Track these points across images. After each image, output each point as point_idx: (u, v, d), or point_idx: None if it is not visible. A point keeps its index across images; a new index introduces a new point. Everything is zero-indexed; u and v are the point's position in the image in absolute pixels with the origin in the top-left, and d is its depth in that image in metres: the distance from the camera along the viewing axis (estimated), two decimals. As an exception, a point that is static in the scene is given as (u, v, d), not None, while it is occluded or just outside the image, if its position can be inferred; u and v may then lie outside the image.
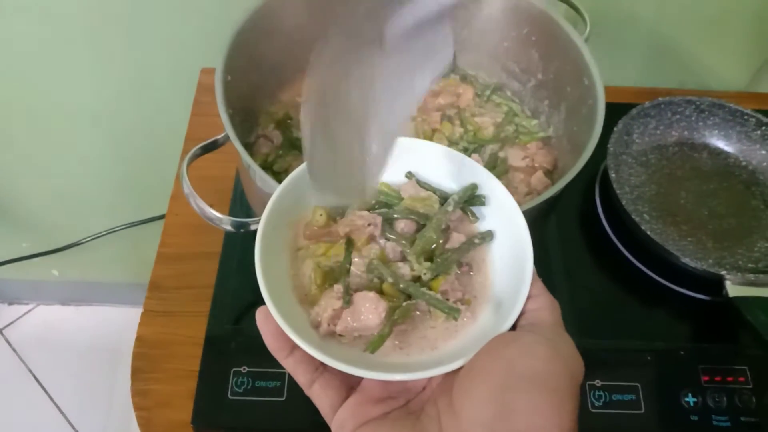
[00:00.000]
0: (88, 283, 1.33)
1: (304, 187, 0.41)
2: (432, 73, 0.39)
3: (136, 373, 0.62)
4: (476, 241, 0.40)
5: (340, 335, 0.37)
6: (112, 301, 1.36)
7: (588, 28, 0.63)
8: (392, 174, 0.43)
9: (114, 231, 1.10)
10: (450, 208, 0.40)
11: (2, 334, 1.38)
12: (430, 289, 0.38)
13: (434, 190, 0.42)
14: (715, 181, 0.72)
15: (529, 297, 0.36)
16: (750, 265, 0.66)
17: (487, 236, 0.41)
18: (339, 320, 0.37)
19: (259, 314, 0.36)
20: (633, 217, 0.63)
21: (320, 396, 0.36)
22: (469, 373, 0.33)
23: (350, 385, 0.37)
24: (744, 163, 0.74)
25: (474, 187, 0.41)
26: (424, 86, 0.39)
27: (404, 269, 0.39)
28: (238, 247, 0.68)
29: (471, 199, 0.41)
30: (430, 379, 0.36)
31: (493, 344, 0.33)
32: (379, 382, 0.36)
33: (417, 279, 0.39)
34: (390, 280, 0.38)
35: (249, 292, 0.65)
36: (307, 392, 0.37)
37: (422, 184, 0.43)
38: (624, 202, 0.64)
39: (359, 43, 0.36)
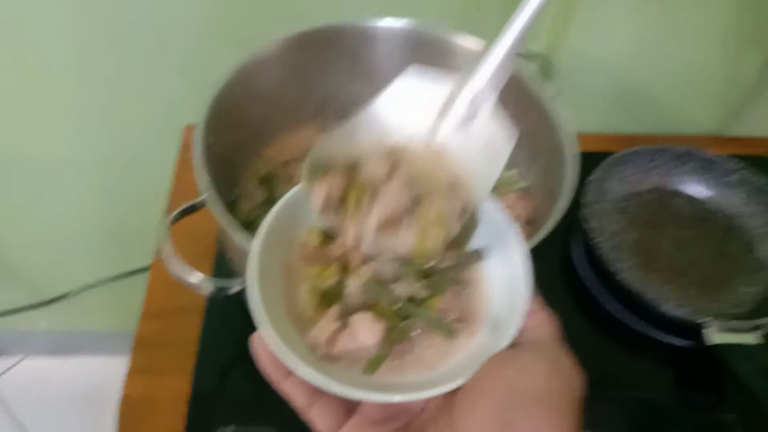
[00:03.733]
0: (75, 333, 1.32)
1: (298, 208, 0.40)
2: (500, 162, 0.40)
3: (122, 432, 0.62)
4: (467, 258, 0.40)
5: (337, 358, 0.37)
6: (100, 351, 1.35)
7: (558, 83, 0.64)
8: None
9: (101, 282, 1.10)
10: None
11: (-10, 387, 1.37)
12: (426, 308, 0.39)
13: None
14: (694, 226, 0.74)
15: (528, 313, 0.36)
16: (732, 311, 0.66)
17: (476, 255, 0.40)
18: (336, 342, 0.37)
19: (255, 339, 0.36)
20: (611, 266, 0.64)
21: (318, 420, 0.36)
22: (469, 393, 0.33)
23: (349, 407, 0.37)
24: (720, 209, 0.75)
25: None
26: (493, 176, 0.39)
27: (400, 289, 0.39)
28: (222, 301, 0.68)
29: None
30: (429, 399, 0.36)
31: (492, 363, 0.34)
32: (377, 404, 0.36)
33: (413, 299, 0.39)
34: (386, 300, 0.38)
35: (234, 347, 0.65)
36: (305, 416, 0.36)
37: None
38: (602, 251, 0.65)
39: None
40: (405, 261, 0.38)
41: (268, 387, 0.37)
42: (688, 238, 0.72)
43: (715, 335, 0.61)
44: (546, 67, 0.67)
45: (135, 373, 0.66)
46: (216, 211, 0.53)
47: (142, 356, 0.67)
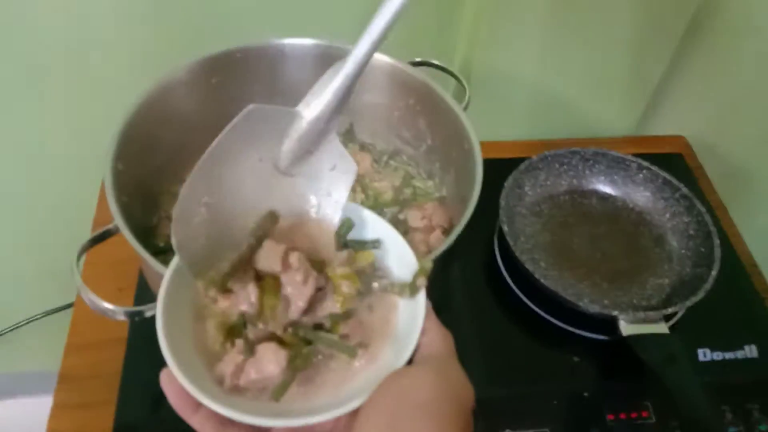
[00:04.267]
0: (11, 374, 1.27)
1: None
2: (344, 186, 0.44)
3: (47, 473, 0.61)
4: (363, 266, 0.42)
5: (245, 389, 0.38)
6: (39, 391, 1.30)
7: (468, 95, 0.67)
8: None
9: (35, 319, 1.07)
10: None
11: None
12: (329, 333, 0.40)
13: None
14: (606, 224, 0.77)
15: (423, 332, 0.39)
16: (643, 303, 0.70)
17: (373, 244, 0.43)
18: (242, 374, 0.38)
19: (163, 375, 0.37)
20: (527, 266, 0.66)
21: None
22: (366, 408, 0.35)
23: None
24: (631, 206, 0.79)
25: (348, 222, 0.44)
26: (340, 199, 0.44)
27: (305, 318, 0.40)
28: (145, 330, 0.67)
29: (365, 243, 0.44)
30: (337, 421, 0.37)
31: (388, 379, 0.36)
32: (286, 430, 0.38)
33: (320, 326, 0.41)
34: (290, 329, 0.39)
35: (158, 376, 0.65)
36: None
37: None
38: (518, 253, 0.67)
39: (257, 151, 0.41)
40: (334, 315, 0.40)
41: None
42: (601, 235, 0.76)
43: (628, 327, 0.64)
44: (458, 82, 0.70)
45: (60, 408, 0.65)
46: (127, 237, 0.52)
47: (67, 391, 0.66)
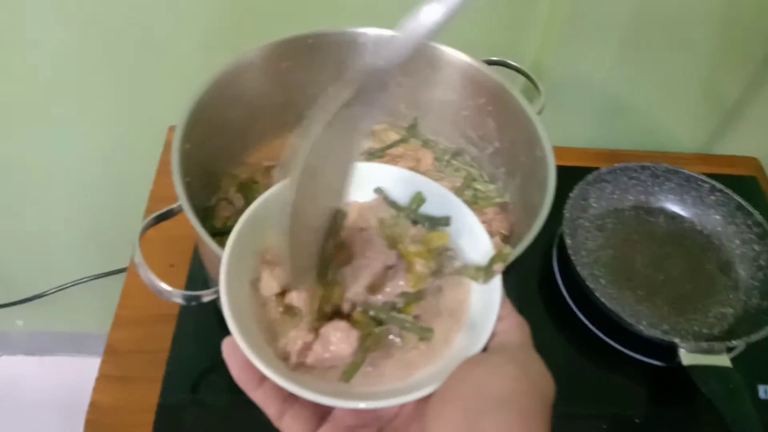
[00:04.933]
0: (53, 333, 1.31)
1: (268, 214, 0.40)
2: (370, 123, 0.39)
3: (88, 442, 0.61)
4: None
5: (311, 367, 0.37)
6: (78, 352, 1.34)
7: (543, 100, 0.64)
8: (361, 194, 0.43)
9: (80, 282, 1.09)
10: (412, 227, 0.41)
11: (-36, 386, 1.35)
12: (402, 313, 0.38)
13: (401, 209, 0.42)
14: (671, 245, 0.74)
15: (498, 318, 0.36)
16: (705, 331, 0.67)
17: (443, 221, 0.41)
18: (309, 352, 0.37)
19: (226, 346, 0.35)
20: (587, 283, 0.64)
21: (291, 428, 0.36)
22: (439, 398, 0.33)
23: (321, 415, 0.36)
24: (699, 228, 0.75)
25: (419, 196, 0.42)
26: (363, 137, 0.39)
27: (375, 297, 0.39)
28: (196, 310, 0.67)
29: (435, 220, 0.42)
30: (403, 405, 0.36)
31: (463, 367, 0.34)
32: (350, 411, 0.36)
33: (393, 306, 0.39)
34: (360, 308, 0.38)
35: (206, 357, 0.65)
36: (277, 424, 0.36)
37: (390, 203, 0.43)
38: (579, 268, 0.65)
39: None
40: (406, 294, 0.39)
41: (238, 398, 0.36)
42: (665, 256, 0.72)
43: (689, 356, 0.61)
44: (531, 84, 0.67)
45: (104, 380, 0.65)
46: (190, 218, 0.52)
47: (113, 364, 0.66)
